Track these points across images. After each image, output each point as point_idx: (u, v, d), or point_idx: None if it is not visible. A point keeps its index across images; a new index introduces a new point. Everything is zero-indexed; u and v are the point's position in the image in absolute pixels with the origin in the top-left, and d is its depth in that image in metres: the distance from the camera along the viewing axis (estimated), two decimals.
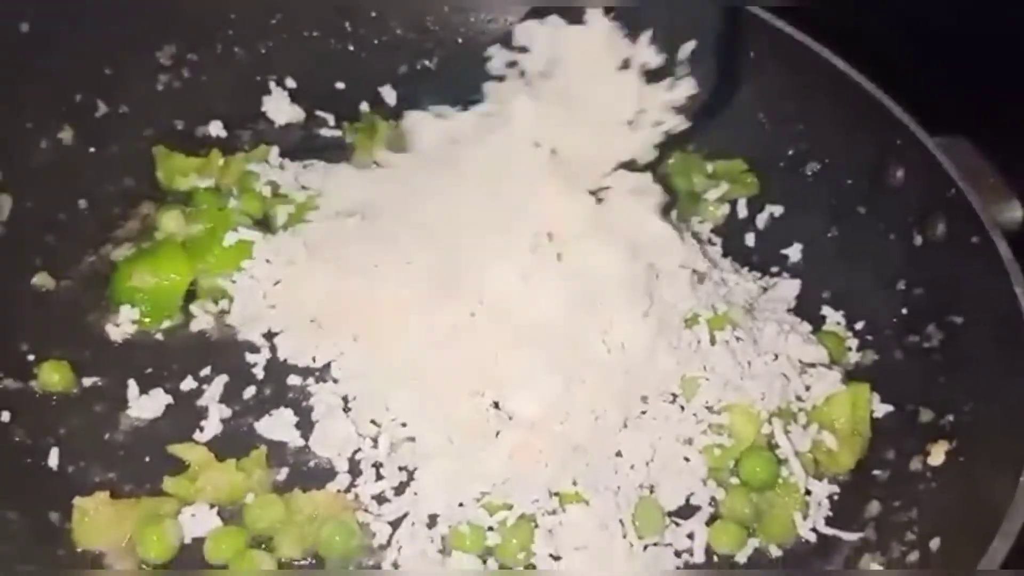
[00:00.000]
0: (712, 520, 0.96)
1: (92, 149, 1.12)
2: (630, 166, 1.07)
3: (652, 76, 1.07)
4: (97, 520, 0.86)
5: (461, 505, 0.93)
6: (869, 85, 1.16)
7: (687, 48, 1.07)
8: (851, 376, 1.08)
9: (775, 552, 0.97)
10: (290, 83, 1.24)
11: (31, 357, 0.98)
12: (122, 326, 1.03)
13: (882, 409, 1.05)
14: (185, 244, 1.06)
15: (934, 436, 1.00)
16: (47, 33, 1.07)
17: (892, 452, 1.02)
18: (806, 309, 1.13)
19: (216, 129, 1.20)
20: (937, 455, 0.99)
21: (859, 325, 1.13)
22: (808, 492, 0.99)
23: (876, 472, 1.02)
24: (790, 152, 1.23)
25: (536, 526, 0.93)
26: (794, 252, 1.19)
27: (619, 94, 1.06)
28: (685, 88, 1.07)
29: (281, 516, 0.91)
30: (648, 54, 1.06)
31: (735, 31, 1.12)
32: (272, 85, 1.23)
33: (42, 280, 1.04)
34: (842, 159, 1.20)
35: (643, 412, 0.99)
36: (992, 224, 1.05)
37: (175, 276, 1.03)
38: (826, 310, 1.14)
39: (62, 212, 1.08)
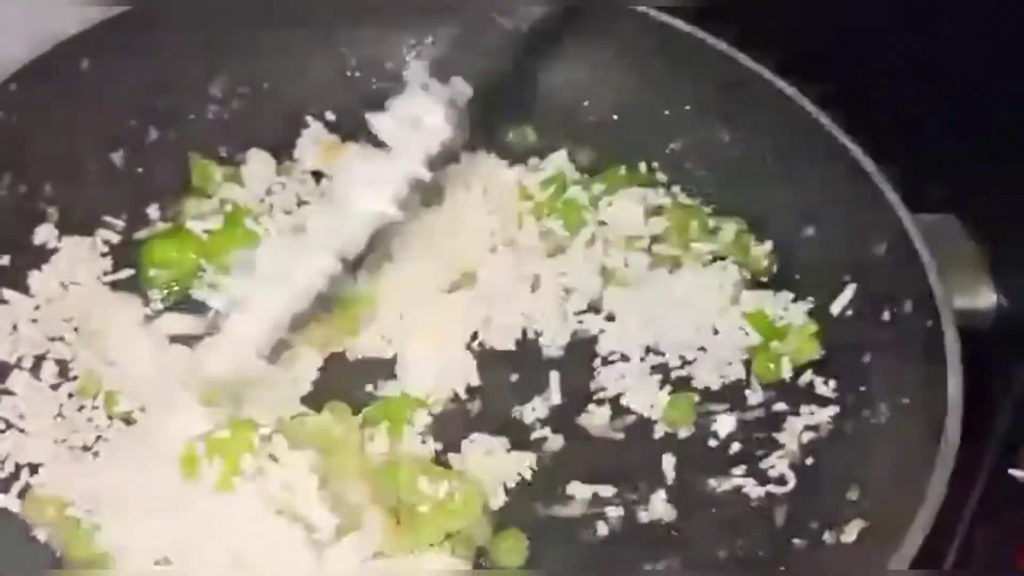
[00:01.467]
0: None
1: (140, 170, 1.26)
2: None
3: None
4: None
5: None
6: (862, 156, 1.17)
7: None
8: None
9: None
10: (329, 116, 1.35)
11: None
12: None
13: (822, 482, 1.08)
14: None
15: (854, 514, 1.02)
16: (105, 68, 1.22)
17: (816, 523, 1.05)
18: None
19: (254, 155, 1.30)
20: (851, 532, 1.01)
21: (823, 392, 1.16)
22: None
23: (796, 540, 1.05)
24: (790, 212, 1.26)
25: None
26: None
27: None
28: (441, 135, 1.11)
29: None
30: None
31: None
32: (310, 119, 1.34)
33: None
34: (834, 227, 1.22)
35: None
36: (947, 310, 1.05)
37: (190, 256, 1.17)
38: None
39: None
